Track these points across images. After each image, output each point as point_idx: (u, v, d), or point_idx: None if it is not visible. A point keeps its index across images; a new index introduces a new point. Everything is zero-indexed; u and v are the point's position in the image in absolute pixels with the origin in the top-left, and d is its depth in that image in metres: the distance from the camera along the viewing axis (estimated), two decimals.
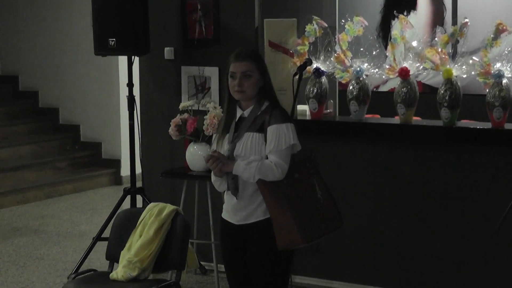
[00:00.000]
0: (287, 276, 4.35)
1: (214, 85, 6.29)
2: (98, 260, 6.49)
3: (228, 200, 4.32)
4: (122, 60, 8.98)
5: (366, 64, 5.72)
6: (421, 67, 5.56)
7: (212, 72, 6.29)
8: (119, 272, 4.83)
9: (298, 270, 5.96)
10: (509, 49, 5.25)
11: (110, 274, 4.84)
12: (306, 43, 5.83)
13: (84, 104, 10.53)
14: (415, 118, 5.68)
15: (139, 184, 6.52)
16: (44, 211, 8.75)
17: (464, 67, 5.36)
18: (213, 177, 4.33)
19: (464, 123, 5.62)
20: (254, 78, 4.24)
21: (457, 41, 5.45)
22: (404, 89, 5.55)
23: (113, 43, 6.15)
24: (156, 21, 6.39)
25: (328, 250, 5.94)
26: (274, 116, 4.21)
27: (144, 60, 6.56)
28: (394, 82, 5.94)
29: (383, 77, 5.77)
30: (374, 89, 7.21)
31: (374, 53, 5.72)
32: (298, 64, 5.62)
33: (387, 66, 5.65)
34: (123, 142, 9.79)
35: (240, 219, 4.26)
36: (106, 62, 9.44)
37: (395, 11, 5.78)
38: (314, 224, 4.18)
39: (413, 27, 5.66)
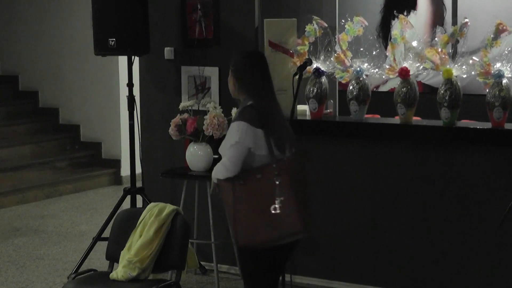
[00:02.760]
0: (257, 276, 4.38)
1: (214, 85, 6.29)
2: (98, 260, 6.49)
3: None
4: (122, 60, 8.99)
5: (366, 64, 5.72)
6: (421, 67, 5.56)
7: (212, 72, 6.29)
8: (119, 272, 4.83)
9: (298, 270, 5.96)
10: (509, 49, 5.25)
11: (110, 274, 4.84)
12: (306, 43, 5.83)
13: (84, 104, 10.53)
14: (415, 118, 5.68)
15: (139, 184, 6.52)
16: (44, 211, 8.75)
17: (464, 67, 5.36)
18: None
19: (464, 123, 5.62)
20: (230, 79, 4.45)
21: (457, 41, 5.46)
22: (404, 89, 5.55)
23: (113, 43, 6.15)
24: (156, 21, 6.39)
25: (328, 250, 5.95)
26: (237, 114, 4.36)
27: (144, 60, 6.56)
28: (394, 82, 5.94)
29: (383, 77, 5.77)
30: (374, 89, 7.21)
31: (374, 53, 5.72)
32: (298, 64, 5.62)
33: (387, 66, 5.65)
34: (123, 142, 9.79)
35: None
36: (106, 62, 9.44)
37: (395, 11, 5.78)
38: (261, 231, 4.14)
39: (413, 27, 5.66)
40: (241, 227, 4.18)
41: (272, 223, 4.12)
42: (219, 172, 4.28)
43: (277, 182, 4.13)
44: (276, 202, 4.11)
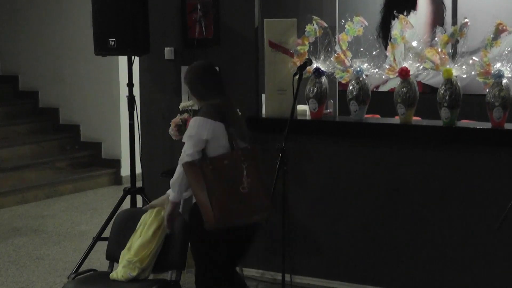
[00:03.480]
0: (215, 260, 4.74)
1: None
2: (98, 260, 6.49)
3: None
4: (122, 60, 8.99)
5: (366, 64, 5.72)
6: (421, 67, 5.56)
7: None
8: (119, 272, 4.83)
9: (298, 270, 5.96)
10: (509, 49, 5.25)
11: (110, 274, 4.84)
12: (306, 43, 5.83)
13: (84, 104, 10.54)
14: (415, 118, 5.68)
15: (139, 184, 6.52)
16: (44, 211, 8.75)
17: (464, 67, 5.36)
18: None
19: (464, 123, 5.62)
20: (190, 93, 4.94)
21: (457, 41, 5.45)
22: (404, 89, 5.55)
23: (113, 43, 6.15)
24: (156, 21, 6.39)
25: (328, 250, 5.95)
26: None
27: (144, 60, 6.56)
28: (394, 82, 5.94)
29: (383, 77, 5.77)
30: (374, 89, 7.21)
31: (374, 53, 5.72)
32: (298, 64, 5.62)
33: (387, 66, 5.65)
34: (123, 142, 9.80)
35: None
36: (106, 62, 9.44)
37: (395, 11, 5.77)
38: (234, 208, 4.54)
39: (413, 27, 5.66)
40: (216, 208, 4.52)
41: (243, 200, 4.57)
42: (179, 169, 4.67)
43: (244, 166, 4.60)
44: (244, 182, 4.57)
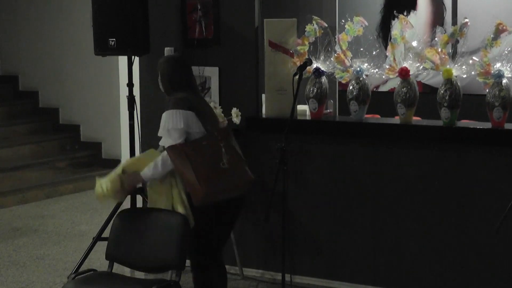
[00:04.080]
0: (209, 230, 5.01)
1: (214, 85, 6.29)
2: (98, 260, 6.49)
3: None
4: (122, 60, 8.98)
5: (366, 64, 5.72)
6: (421, 67, 5.56)
7: (212, 72, 6.29)
8: (103, 183, 4.94)
9: (298, 270, 5.97)
10: (509, 49, 5.25)
11: (95, 189, 4.99)
12: (306, 43, 5.83)
13: (84, 104, 10.54)
14: (415, 118, 5.68)
15: (138, 184, 6.50)
16: (44, 211, 8.75)
17: (464, 67, 5.36)
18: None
19: (464, 123, 5.62)
20: (160, 82, 5.19)
21: (457, 41, 5.46)
22: (404, 89, 5.55)
23: (113, 43, 6.15)
24: (156, 21, 6.39)
25: (328, 250, 5.95)
26: (166, 105, 4.99)
27: (144, 60, 6.56)
28: (394, 82, 5.94)
29: (383, 77, 5.77)
30: (374, 89, 7.21)
31: (374, 53, 5.73)
32: (298, 64, 5.62)
33: (387, 66, 5.65)
34: (123, 142, 9.77)
35: None
36: (106, 62, 9.43)
37: (395, 11, 5.78)
38: (218, 182, 4.82)
39: (413, 27, 5.66)
40: (202, 184, 4.77)
41: (225, 176, 4.85)
42: (168, 161, 4.89)
43: (222, 145, 4.90)
44: (224, 159, 4.86)
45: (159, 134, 4.98)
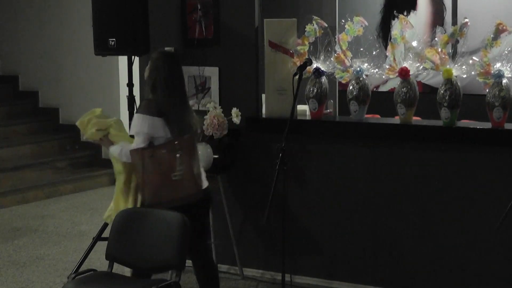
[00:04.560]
0: None
1: (214, 85, 6.30)
2: (98, 260, 6.49)
3: None
4: (122, 60, 8.99)
5: (366, 64, 5.73)
6: (421, 67, 5.56)
7: (212, 72, 6.29)
8: (93, 125, 5.49)
9: (298, 269, 5.97)
10: (509, 49, 5.25)
11: (82, 120, 5.52)
12: (306, 43, 5.83)
13: (84, 104, 10.53)
14: (415, 118, 5.68)
15: None
16: (44, 211, 8.75)
17: (464, 67, 5.36)
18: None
19: (464, 123, 5.62)
20: (146, 71, 5.20)
21: (457, 41, 5.46)
22: (404, 89, 5.55)
23: (113, 43, 6.15)
24: (156, 21, 6.39)
25: (328, 250, 5.95)
26: (139, 106, 5.25)
27: (144, 60, 6.55)
28: (394, 82, 5.95)
29: (383, 77, 5.77)
30: (374, 89, 7.21)
31: (374, 53, 5.73)
32: (298, 64, 5.62)
33: (387, 66, 5.65)
34: None
35: None
36: (106, 62, 9.45)
37: (395, 11, 5.79)
38: (163, 192, 5.06)
39: (413, 27, 5.66)
40: (148, 190, 5.10)
41: (173, 187, 5.06)
42: (130, 147, 5.16)
43: (178, 155, 5.05)
44: (177, 170, 5.05)
45: (129, 133, 5.24)
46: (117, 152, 5.31)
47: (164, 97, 5.09)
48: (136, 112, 5.14)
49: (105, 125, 5.50)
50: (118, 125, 5.48)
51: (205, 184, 5.23)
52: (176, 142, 5.06)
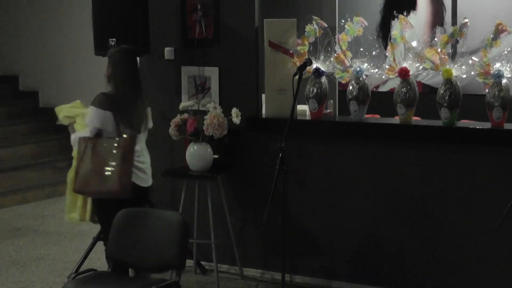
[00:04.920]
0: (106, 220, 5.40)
1: (214, 85, 6.30)
2: (98, 260, 6.49)
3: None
4: None
5: (366, 64, 5.73)
6: (421, 67, 5.56)
7: (212, 72, 6.30)
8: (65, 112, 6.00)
9: (298, 269, 5.97)
10: (509, 49, 5.25)
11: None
12: (306, 43, 5.84)
13: (84, 104, 10.53)
14: (415, 118, 5.69)
15: None
16: (44, 211, 8.75)
17: (463, 67, 5.36)
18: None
19: (464, 123, 5.62)
20: (107, 67, 5.46)
21: (457, 41, 5.46)
22: (404, 89, 5.55)
23: (113, 43, 6.15)
24: (156, 21, 6.40)
25: (328, 249, 5.95)
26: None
27: (144, 60, 6.56)
28: (394, 82, 5.95)
29: (383, 77, 5.77)
30: (374, 89, 7.22)
31: (374, 53, 5.73)
32: (298, 64, 5.63)
33: (387, 66, 5.66)
34: None
35: None
36: (106, 62, 9.43)
37: (395, 11, 5.78)
38: (91, 185, 5.34)
39: (412, 27, 5.66)
40: (80, 177, 5.38)
41: (102, 180, 5.31)
42: (81, 136, 5.46)
43: (114, 152, 5.31)
44: (110, 166, 5.30)
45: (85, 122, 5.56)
46: (72, 138, 5.59)
47: (118, 92, 5.38)
48: (91, 104, 5.37)
49: (73, 114, 5.96)
50: (85, 116, 5.68)
51: (144, 182, 5.50)
52: (117, 139, 5.34)
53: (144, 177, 5.52)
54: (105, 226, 5.49)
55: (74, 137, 5.59)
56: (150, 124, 5.69)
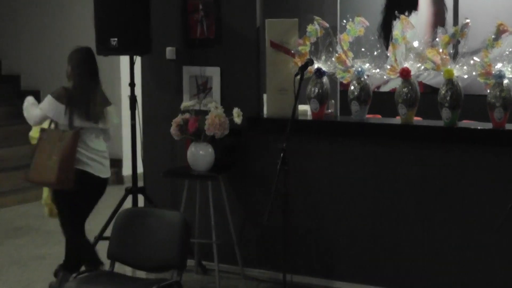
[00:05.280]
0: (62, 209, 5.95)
1: (216, 85, 6.31)
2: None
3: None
4: (124, 59, 8.99)
5: (367, 64, 5.73)
6: (422, 67, 5.56)
7: (213, 72, 6.30)
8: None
9: (298, 269, 5.97)
10: (510, 49, 5.25)
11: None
12: (308, 43, 5.84)
13: None
14: (416, 118, 5.69)
15: (140, 183, 6.53)
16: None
17: (465, 67, 5.36)
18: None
19: (465, 123, 5.63)
20: (67, 66, 5.97)
21: (458, 42, 5.46)
22: (405, 89, 5.55)
23: (115, 43, 6.16)
24: (158, 21, 6.40)
25: (329, 250, 5.96)
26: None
27: (146, 60, 6.57)
28: (395, 82, 5.95)
29: (384, 77, 5.77)
30: (375, 89, 7.21)
31: (375, 53, 5.73)
32: (300, 64, 5.63)
33: (388, 67, 5.66)
34: (125, 142, 9.80)
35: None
36: (108, 62, 9.43)
37: (396, 12, 5.78)
38: (35, 173, 5.74)
39: (414, 27, 5.66)
40: (31, 166, 5.77)
41: (40, 170, 5.71)
42: (31, 114, 5.88)
43: (58, 145, 5.67)
44: (51, 158, 5.66)
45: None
46: (24, 105, 5.96)
47: (75, 88, 5.81)
48: (49, 94, 5.82)
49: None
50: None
51: (102, 173, 5.94)
52: (62, 132, 5.73)
53: (101, 168, 5.93)
54: (62, 217, 5.96)
55: (25, 103, 5.97)
56: (115, 120, 5.99)
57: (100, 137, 5.95)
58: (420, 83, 6.09)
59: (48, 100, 5.79)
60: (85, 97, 5.78)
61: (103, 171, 5.96)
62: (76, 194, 5.75)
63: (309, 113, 5.99)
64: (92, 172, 5.82)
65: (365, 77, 5.76)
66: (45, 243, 7.47)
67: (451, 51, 5.53)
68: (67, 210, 5.88)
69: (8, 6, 11.15)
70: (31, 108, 5.90)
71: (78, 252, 6.04)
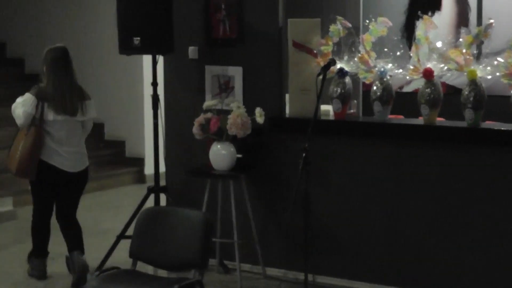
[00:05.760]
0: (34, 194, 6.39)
1: (238, 84, 6.31)
2: (121, 258, 6.50)
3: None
4: (147, 58, 9.02)
5: (390, 65, 5.72)
6: (445, 68, 5.54)
7: (236, 72, 6.31)
8: None
9: (320, 270, 5.97)
10: None
11: None
12: (330, 43, 5.84)
13: (108, 103, 10.58)
14: (439, 119, 5.67)
15: (162, 182, 6.54)
16: None
17: (488, 68, 5.34)
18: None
19: (488, 124, 5.60)
20: (42, 65, 6.19)
21: (482, 42, 5.44)
22: (428, 90, 5.54)
23: (137, 42, 6.17)
24: (181, 20, 6.42)
25: (350, 250, 5.95)
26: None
27: (168, 59, 6.59)
28: (418, 83, 5.93)
29: (407, 77, 5.76)
30: (398, 90, 7.20)
31: (398, 53, 5.72)
32: (322, 64, 5.63)
33: (411, 67, 5.64)
34: (147, 141, 9.83)
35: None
36: (131, 61, 9.48)
37: (419, 12, 5.77)
38: (10, 163, 6.20)
39: (437, 27, 5.64)
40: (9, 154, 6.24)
41: (11, 160, 6.18)
42: (16, 114, 6.17)
43: (24, 139, 6.06)
44: (18, 151, 6.10)
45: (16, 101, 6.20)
46: (12, 107, 6.20)
47: (49, 85, 6.10)
48: (28, 92, 6.12)
49: None
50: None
51: (70, 168, 6.20)
52: (32, 127, 6.07)
53: (67, 163, 6.20)
54: (35, 209, 6.36)
55: (14, 107, 6.19)
56: (93, 114, 6.39)
57: (77, 131, 6.27)
58: (443, 84, 6.07)
59: (27, 96, 6.11)
60: (60, 92, 6.11)
61: (71, 165, 6.24)
62: (40, 184, 6.23)
63: (331, 113, 5.98)
64: (56, 165, 6.15)
65: (388, 77, 5.75)
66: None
67: (475, 52, 5.51)
68: (34, 198, 6.34)
69: (34, 7, 11.21)
70: (16, 109, 6.18)
71: (36, 235, 6.50)
